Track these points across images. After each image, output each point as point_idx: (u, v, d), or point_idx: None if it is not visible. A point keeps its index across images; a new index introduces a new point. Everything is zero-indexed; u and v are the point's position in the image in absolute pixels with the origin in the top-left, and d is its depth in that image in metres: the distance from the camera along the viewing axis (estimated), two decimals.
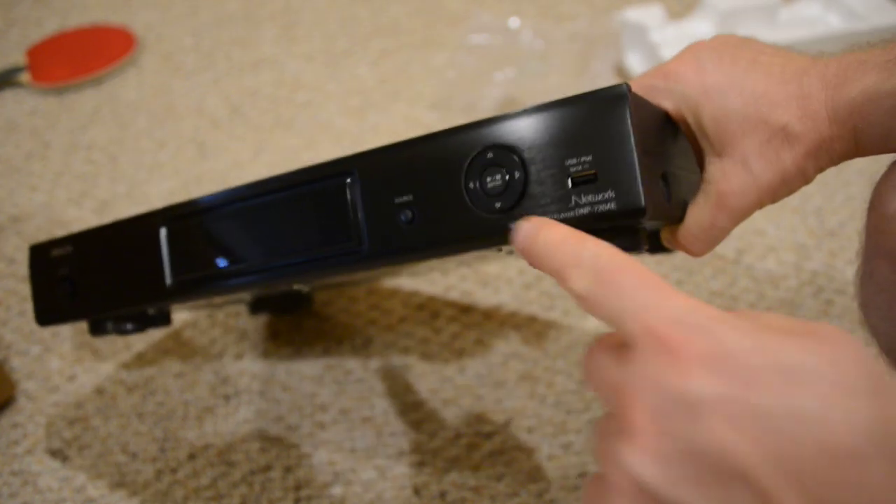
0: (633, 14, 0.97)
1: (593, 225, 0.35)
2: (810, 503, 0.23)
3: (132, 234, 0.50)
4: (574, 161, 0.35)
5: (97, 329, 0.55)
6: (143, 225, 0.49)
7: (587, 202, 0.34)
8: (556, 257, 0.31)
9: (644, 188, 0.34)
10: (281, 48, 1.09)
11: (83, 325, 0.75)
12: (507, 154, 0.36)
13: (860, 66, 0.36)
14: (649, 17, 0.96)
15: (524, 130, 0.36)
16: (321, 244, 0.42)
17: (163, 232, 0.48)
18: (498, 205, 0.36)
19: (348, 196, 0.41)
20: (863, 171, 0.81)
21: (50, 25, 1.16)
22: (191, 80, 1.05)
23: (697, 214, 0.41)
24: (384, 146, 0.40)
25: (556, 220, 0.35)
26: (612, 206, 0.34)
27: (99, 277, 0.52)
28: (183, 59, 1.08)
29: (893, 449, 0.23)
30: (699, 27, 0.96)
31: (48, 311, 0.55)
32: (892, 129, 0.36)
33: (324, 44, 1.09)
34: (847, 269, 0.73)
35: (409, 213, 0.39)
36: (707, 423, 0.24)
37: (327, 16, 1.14)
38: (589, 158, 0.35)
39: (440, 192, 0.38)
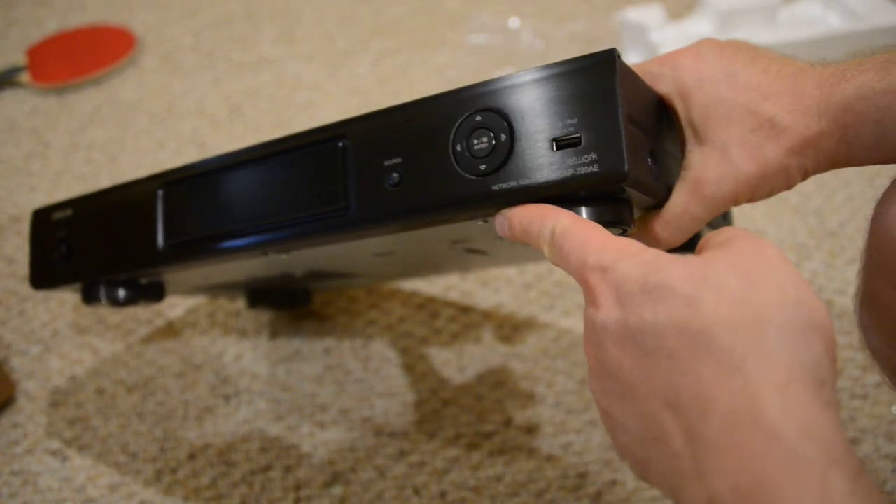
0: (633, 14, 0.97)
1: (577, 190, 0.35)
2: (673, 408, 0.27)
3: (130, 196, 0.50)
4: (559, 124, 0.35)
5: (90, 296, 0.55)
6: (141, 188, 0.49)
7: (570, 164, 0.34)
8: (531, 236, 0.35)
9: (628, 153, 0.33)
10: (281, 48, 1.09)
11: (83, 326, 0.75)
12: (495, 117, 0.36)
13: (857, 66, 0.36)
14: (649, 17, 0.96)
15: (512, 93, 0.36)
16: (310, 208, 0.42)
17: (159, 194, 0.48)
18: (483, 167, 0.36)
19: (340, 159, 0.41)
20: (862, 172, 0.81)
21: (50, 25, 1.16)
22: (191, 80, 1.05)
23: (672, 200, 0.40)
24: (376, 111, 0.40)
25: (539, 182, 0.35)
26: (594, 168, 0.34)
27: (94, 240, 0.52)
28: (183, 59, 1.08)
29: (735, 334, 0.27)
30: (699, 27, 0.96)
31: (43, 274, 0.55)
32: (886, 128, 0.35)
33: (324, 44, 1.09)
34: (847, 268, 0.73)
35: (396, 176, 0.38)
36: (605, 347, 0.30)
37: (327, 16, 1.14)
38: (574, 122, 0.34)
39: (428, 154, 0.38)
